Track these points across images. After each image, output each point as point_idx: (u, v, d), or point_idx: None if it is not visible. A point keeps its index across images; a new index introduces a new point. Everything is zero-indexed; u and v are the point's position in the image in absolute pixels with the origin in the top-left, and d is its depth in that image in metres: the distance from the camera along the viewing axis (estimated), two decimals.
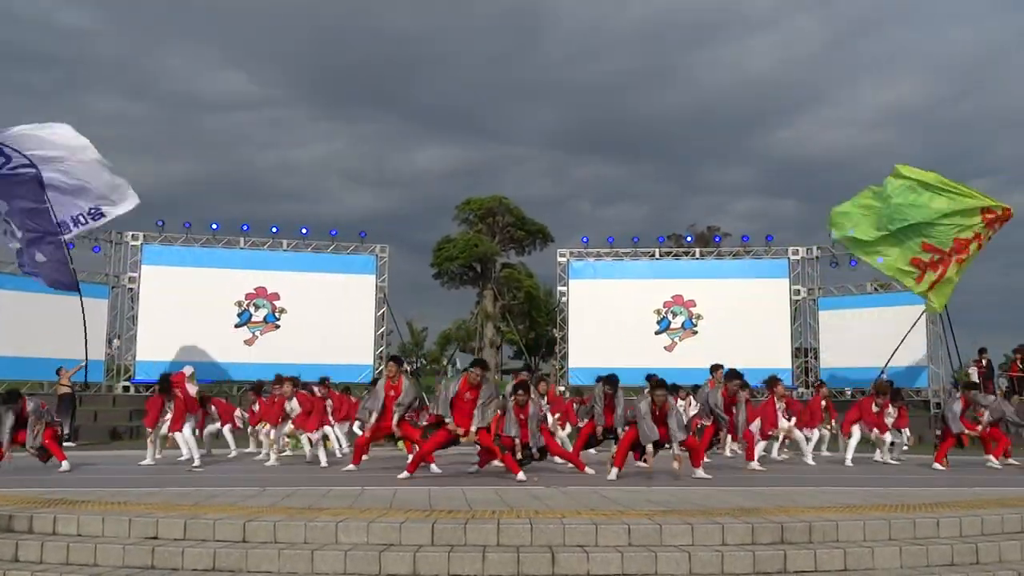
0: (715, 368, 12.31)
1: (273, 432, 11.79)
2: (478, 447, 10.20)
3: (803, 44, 76.62)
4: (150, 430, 11.89)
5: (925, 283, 16.34)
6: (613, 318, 21.24)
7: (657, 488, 8.35)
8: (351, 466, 10.42)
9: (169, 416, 11.39)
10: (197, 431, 12.35)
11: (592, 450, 14.45)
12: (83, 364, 15.89)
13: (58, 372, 15.98)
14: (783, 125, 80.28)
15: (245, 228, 21.29)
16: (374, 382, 11.89)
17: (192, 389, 11.78)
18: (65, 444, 12.76)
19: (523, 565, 5.31)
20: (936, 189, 16.07)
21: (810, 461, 12.32)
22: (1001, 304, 66.06)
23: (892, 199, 16.30)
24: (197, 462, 11.02)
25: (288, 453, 12.36)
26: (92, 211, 14.96)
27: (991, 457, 11.96)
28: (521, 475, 9.26)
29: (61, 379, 16.16)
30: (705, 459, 10.31)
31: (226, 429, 13.53)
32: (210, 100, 77.92)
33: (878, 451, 12.68)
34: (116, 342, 15.08)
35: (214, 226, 21.06)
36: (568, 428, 13.65)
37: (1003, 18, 72.88)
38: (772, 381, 12.83)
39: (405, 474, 9.41)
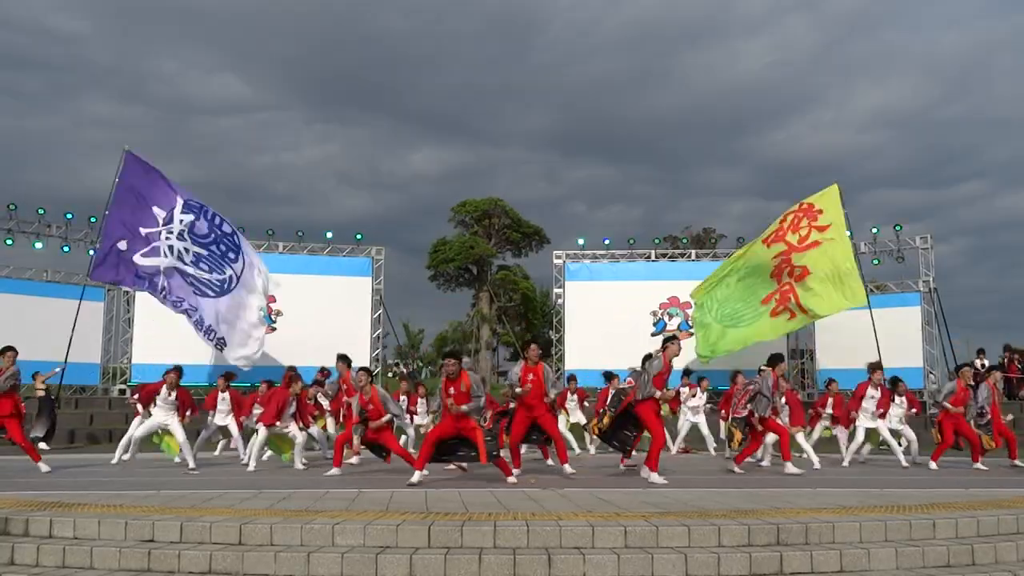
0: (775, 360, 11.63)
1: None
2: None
3: (795, 46, 76.87)
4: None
5: (799, 316, 17.30)
6: (609, 320, 21.24)
7: (653, 490, 8.36)
8: (334, 470, 10.32)
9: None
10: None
11: (591, 451, 14.57)
12: (61, 368, 15.88)
13: (34, 376, 15.96)
14: (775, 127, 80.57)
15: (241, 231, 21.27)
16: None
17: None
18: (40, 447, 12.82)
19: (519, 567, 5.31)
20: (729, 274, 18.07)
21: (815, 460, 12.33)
22: (1001, 306, 66.29)
23: (709, 309, 18.32)
24: (192, 464, 11.04)
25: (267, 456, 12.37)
26: (219, 340, 16.51)
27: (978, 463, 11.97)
28: (512, 477, 9.18)
29: (36, 383, 16.14)
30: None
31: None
32: (204, 103, 77.93)
33: (846, 448, 12.75)
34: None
35: None
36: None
37: (992, 21, 73.22)
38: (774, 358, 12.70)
39: (516, 473, 9.48)
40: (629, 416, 10.12)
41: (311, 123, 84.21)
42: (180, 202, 16.16)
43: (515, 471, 9.67)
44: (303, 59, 77.88)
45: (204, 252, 16.36)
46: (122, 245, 15.63)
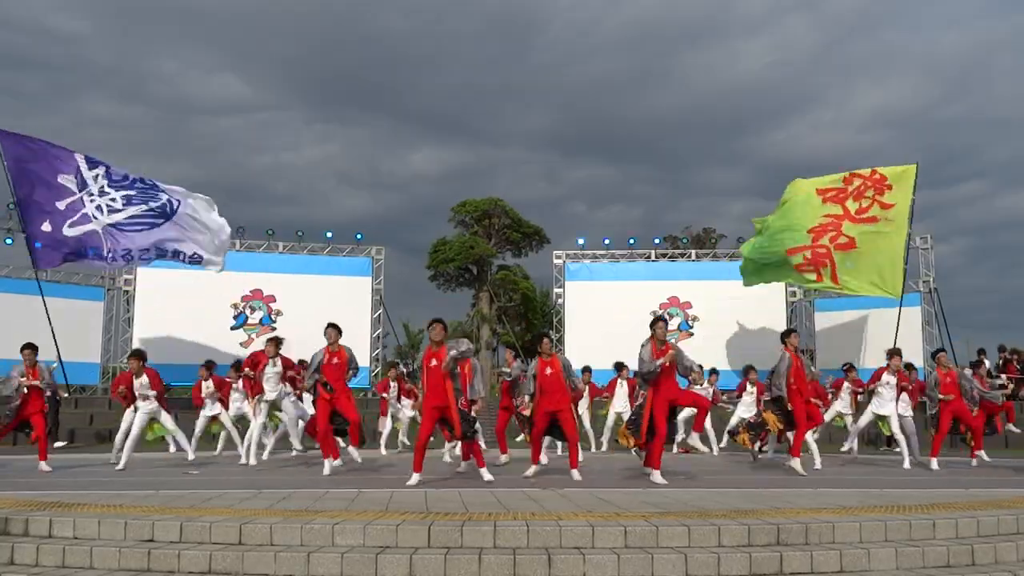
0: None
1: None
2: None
3: (795, 46, 76.77)
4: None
5: (827, 279, 16.78)
6: (609, 320, 21.27)
7: (653, 490, 8.36)
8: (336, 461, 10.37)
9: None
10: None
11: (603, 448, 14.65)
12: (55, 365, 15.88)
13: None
14: (775, 127, 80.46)
15: (240, 230, 21.29)
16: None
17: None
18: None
19: (519, 567, 5.31)
20: (777, 215, 17.46)
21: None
22: (1001, 306, 66.25)
23: (767, 230, 17.70)
24: (191, 455, 11.13)
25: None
26: (193, 255, 16.44)
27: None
28: (486, 471, 9.05)
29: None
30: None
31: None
32: (204, 103, 77.84)
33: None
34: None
35: None
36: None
37: (992, 21, 73.11)
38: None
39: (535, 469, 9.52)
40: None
41: (311, 123, 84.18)
42: (81, 159, 15.86)
43: (533, 467, 9.66)
44: (303, 59, 77.84)
45: (132, 192, 16.08)
46: (46, 227, 15.41)
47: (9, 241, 18.88)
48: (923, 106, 74.36)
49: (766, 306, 21.43)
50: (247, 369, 12.05)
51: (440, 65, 78.11)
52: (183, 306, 19.87)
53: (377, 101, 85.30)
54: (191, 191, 16.69)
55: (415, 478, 8.75)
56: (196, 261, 16.46)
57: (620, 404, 14.66)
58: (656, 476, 9.15)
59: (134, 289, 20.11)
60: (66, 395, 15.57)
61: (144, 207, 15.99)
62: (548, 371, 9.66)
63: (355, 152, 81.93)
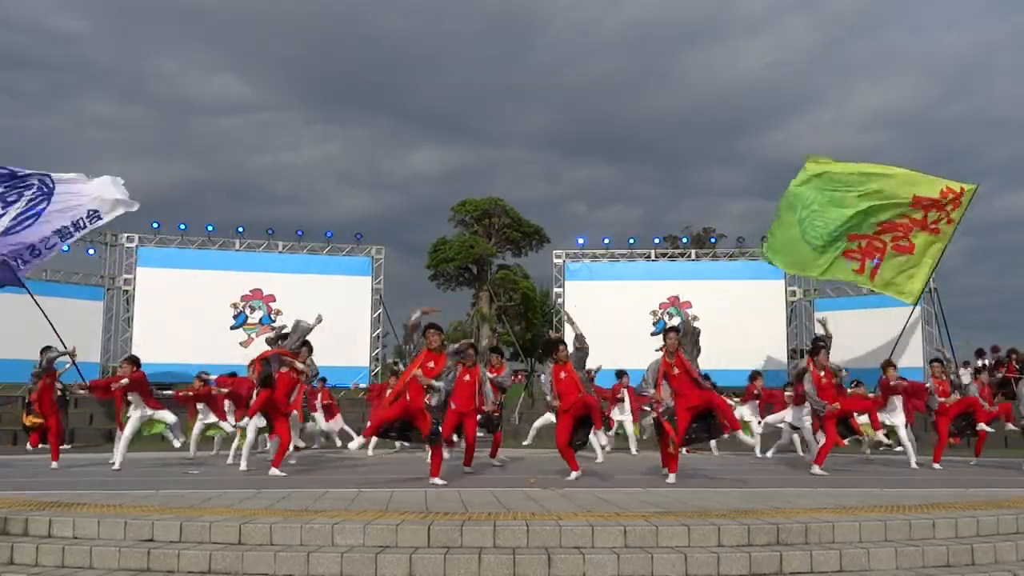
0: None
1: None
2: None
3: (795, 47, 76.74)
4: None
5: (867, 273, 16.43)
6: (609, 319, 21.24)
7: (653, 490, 8.36)
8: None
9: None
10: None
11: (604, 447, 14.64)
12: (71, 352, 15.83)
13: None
14: (775, 127, 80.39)
15: (240, 230, 21.29)
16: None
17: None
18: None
19: (519, 567, 5.30)
20: (848, 178, 16.23)
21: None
22: (1001, 306, 66.18)
23: (804, 207, 16.58)
24: (189, 450, 11.17)
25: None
26: (91, 213, 15.41)
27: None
28: (438, 479, 8.69)
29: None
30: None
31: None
32: (204, 103, 77.81)
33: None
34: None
35: (209, 228, 21.07)
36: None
37: (992, 22, 73.08)
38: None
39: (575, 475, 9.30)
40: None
41: (311, 123, 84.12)
42: None
43: (574, 473, 9.35)
44: (303, 59, 77.77)
45: (2, 190, 15.08)
46: None
47: None
48: (923, 106, 74.27)
49: (766, 306, 21.44)
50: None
51: (440, 65, 78.03)
52: (183, 306, 19.88)
53: (377, 101, 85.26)
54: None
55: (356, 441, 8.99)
56: (98, 218, 15.73)
57: (622, 413, 14.49)
58: (671, 478, 9.23)
59: (134, 289, 20.11)
60: (83, 392, 15.47)
61: (23, 201, 15.10)
62: (563, 375, 9.63)
63: (355, 152, 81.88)
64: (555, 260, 22.76)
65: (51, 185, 15.22)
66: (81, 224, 15.43)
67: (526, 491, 8.04)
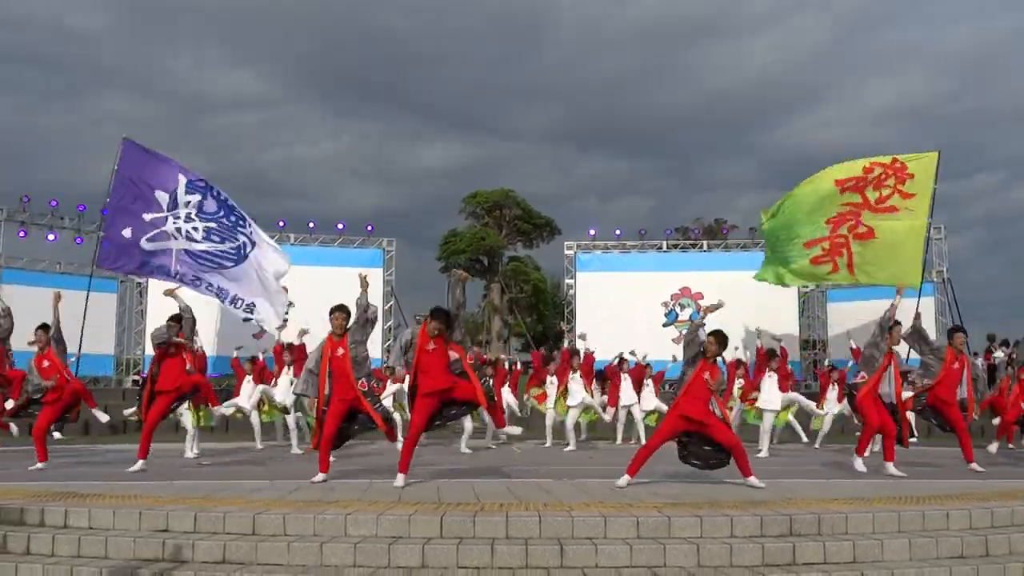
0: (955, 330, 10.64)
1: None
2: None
3: (805, 41, 76.25)
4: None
5: (843, 270, 16.39)
6: (620, 311, 21.18)
7: (665, 481, 8.35)
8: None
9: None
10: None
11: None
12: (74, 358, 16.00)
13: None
14: (786, 122, 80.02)
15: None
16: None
17: None
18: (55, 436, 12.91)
19: (531, 557, 5.32)
20: (795, 202, 16.68)
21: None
22: (1013, 298, 65.70)
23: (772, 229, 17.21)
24: (196, 451, 11.31)
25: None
26: (248, 306, 16.81)
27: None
28: (400, 480, 7.62)
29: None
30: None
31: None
32: (218, 99, 78.12)
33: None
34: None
35: None
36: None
37: (1003, 16, 72.37)
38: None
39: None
40: None
41: (324, 118, 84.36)
42: (183, 181, 15.93)
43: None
44: (317, 55, 77.96)
45: (214, 225, 16.18)
46: (127, 233, 15.57)
47: (23, 234, 18.99)
48: (936, 100, 73.87)
49: (778, 296, 21.25)
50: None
51: (452, 62, 78.14)
52: (195, 297, 19.88)
53: (390, 97, 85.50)
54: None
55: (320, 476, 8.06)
56: (248, 311, 16.87)
57: (627, 398, 14.17)
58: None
59: (147, 281, 20.17)
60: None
61: (220, 246, 16.28)
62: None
63: (367, 147, 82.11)
64: (566, 251, 22.68)
65: (247, 251, 16.48)
66: (238, 304, 16.72)
67: (539, 482, 8.05)
